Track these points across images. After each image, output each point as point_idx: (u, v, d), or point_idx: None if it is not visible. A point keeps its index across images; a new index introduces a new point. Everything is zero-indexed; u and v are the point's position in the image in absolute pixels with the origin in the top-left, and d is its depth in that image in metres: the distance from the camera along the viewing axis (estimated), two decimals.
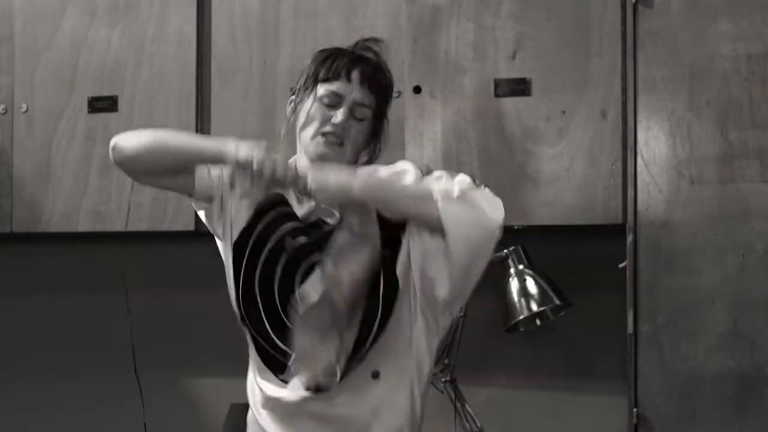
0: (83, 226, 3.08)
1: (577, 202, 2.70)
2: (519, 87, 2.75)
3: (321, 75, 2.17)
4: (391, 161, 2.79)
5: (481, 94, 2.78)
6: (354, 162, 2.19)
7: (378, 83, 2.20)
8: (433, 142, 2.80)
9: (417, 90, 2.82)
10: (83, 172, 3.07)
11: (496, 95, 2.77)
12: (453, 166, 2.78)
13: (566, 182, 2.71)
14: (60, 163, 3.10)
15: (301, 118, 2.19)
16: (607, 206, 2.68)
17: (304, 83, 2.19)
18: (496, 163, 2.76)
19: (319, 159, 2.15)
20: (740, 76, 2.53)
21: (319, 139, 2.15)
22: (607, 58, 2.70)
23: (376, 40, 2.25)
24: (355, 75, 2.16)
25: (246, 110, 2.96)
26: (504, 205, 2.73)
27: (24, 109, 3.13)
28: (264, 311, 2.13)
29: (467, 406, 2.77)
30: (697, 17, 2.57)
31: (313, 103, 2.16)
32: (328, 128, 2.14)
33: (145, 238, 3.27)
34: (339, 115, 2.14)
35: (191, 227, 2.99)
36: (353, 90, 2.16)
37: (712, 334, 2.51)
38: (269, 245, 2.12)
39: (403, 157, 2.80)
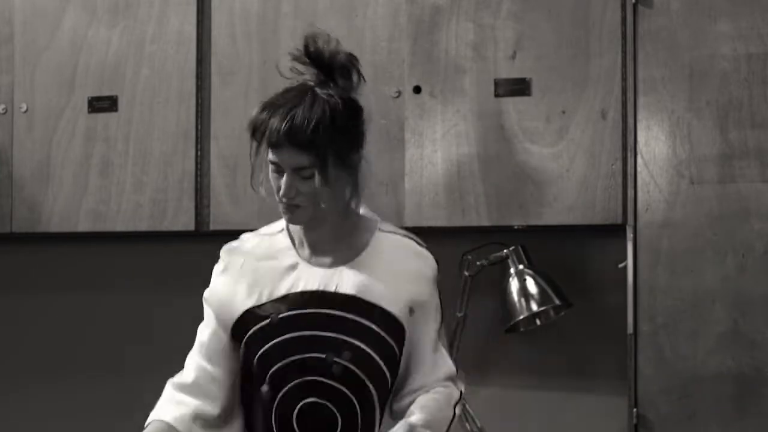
0: (83, 226, 3.08)
1: (577, 202, 2.70)
2: (519, 87, 2.75)
3: (260, 139, 2.09)
4: (392, 163, 2.81)
5: (481, 94, 2.78)
6: (341, 211, 2.16)
7: (315, 140, 2.04)
8: (433, 142, 2.80)
9: (417, 90, 2.82)
10: (83, 172, 3.07)
11: (496, 95, 2.77)
12: (453, 166, 2.78)
13: (566, 182, 2.71)
14: (60, 163, 3.10)
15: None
16: (607, 206, 2.68)
17: (253, 139, 2.11)
18: (496, 163, 2.76)
19: (291, 224, 2.18)
20: (740, 76, 2.53)
21: (280, 207, 2.13)
22: (607, 58, 2.69)
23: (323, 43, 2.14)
24: (284, 140, 2.04)
25: (246, 110, 2.93)
26: (504, 205, 2.75)
27: (24, 109, 3.13)
28: None
29: (467, 406, 2.77)
30: (697, 17, 2.57)
31: (268, 166, 2.12)
32: (281, 198, 2.10)
33: (145, 238, 3.27)
34: (282, 185, 2.08)
35: (191, 227, 2.99)
36: (289, 156, 2.05)
37: (712, 334, 2.51)
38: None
39: (402, 157, 2.82)
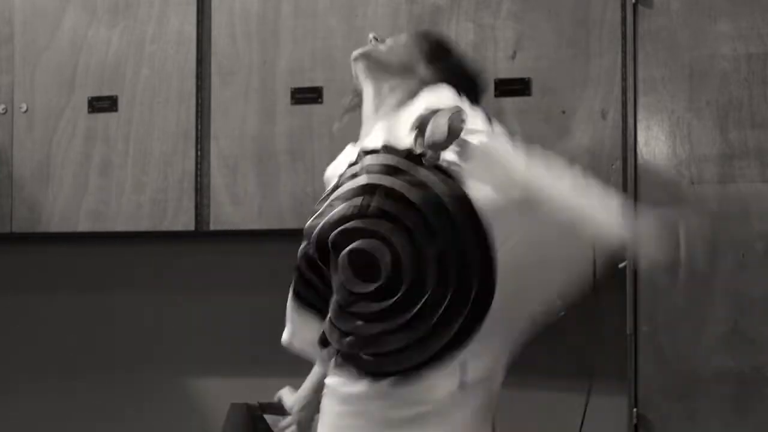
0: (83, 226, 3.08)
1: None
2: (519, 87, 2.75)
3: None
4: None
5: None
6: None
7: None
8: None
9: None
10: (83, 172, 3.07)
11: (496, 95, 2.77)
12: None
13: None
14: (60, 163, 3.10)
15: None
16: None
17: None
18: None
19: (363, 56, 2.19)
20: (740, 76, 2.53)
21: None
22: (607, 58, 2.69)
23: None
24: None
25: (246, 110, 2.96)
26: None
27: (24, 109, 3.13)
28: None
29: None
30: (697, 17, 2.57)
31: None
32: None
33: (145, 238, 3.28)
34: None
35: (191, 227, 2.99)
36: None
37: (712, 334, 2.51)
38: None
39: None
